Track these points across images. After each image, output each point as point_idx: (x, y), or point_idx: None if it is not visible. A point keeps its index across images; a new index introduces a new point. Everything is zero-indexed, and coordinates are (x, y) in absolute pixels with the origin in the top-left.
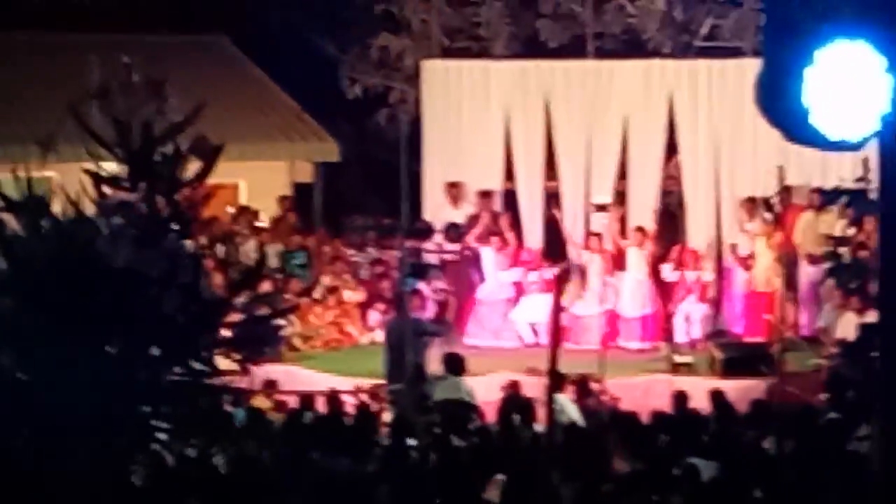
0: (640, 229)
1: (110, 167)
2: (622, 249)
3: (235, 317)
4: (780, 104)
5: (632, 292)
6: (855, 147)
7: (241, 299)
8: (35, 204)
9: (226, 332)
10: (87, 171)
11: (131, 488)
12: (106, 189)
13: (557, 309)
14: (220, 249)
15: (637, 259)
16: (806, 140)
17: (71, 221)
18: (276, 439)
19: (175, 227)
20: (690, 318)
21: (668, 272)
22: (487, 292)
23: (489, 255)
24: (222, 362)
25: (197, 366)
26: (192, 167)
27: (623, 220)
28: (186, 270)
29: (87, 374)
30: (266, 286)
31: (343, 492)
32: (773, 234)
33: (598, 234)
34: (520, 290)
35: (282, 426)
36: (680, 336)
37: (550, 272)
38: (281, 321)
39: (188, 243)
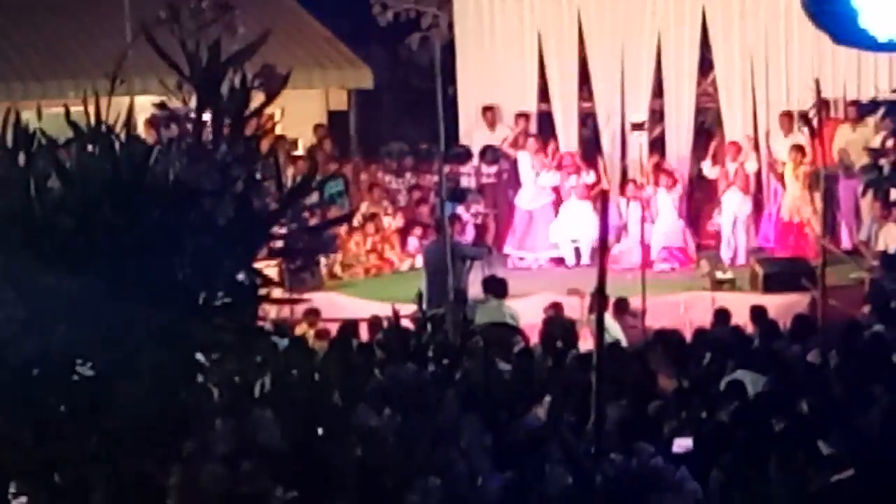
0: (668, 172)
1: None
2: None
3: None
4: (828, 7)
5: (665, 235)
6: None
7: (289, 214)
8: (96, 128)
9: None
10: (156, 105)
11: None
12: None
13: (605, 226)
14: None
15: (667, 203)
16: (855, 42)
17: (125, 140)
18: (325, 361)
19: (236, 149)
20: (737, 221)
21: (707, 168)
22: (527, 199)
23: (526, 160)
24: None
25: (245, 279)
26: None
27: (662, 140)
28: (238, 183)
29: (139, 291)
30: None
31: (411, 398)
32: (803, 159)
33: (632, 181)
34: (559, 198)
35: (327, 350)
36: (726, 243)
37: (591, 177)
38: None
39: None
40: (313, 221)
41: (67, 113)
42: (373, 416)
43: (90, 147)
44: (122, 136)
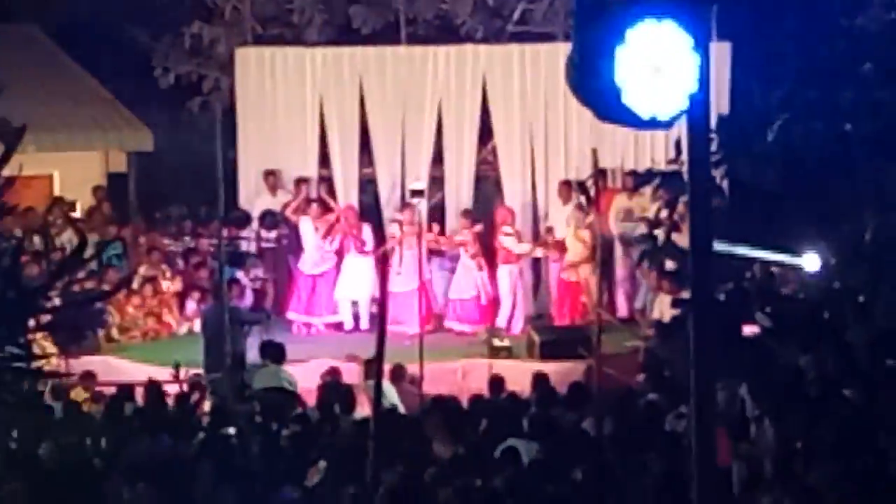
0: (467, 212)
1: None
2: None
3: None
4: (592, 83)
5: (458, 276)
6: (665, 125)
7: (59, 285)
8: None
9: (45, 318)
10: None
11: None
12: None
13: (384, 293)
14: (36, 240)
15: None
16: (618, 119)
17: None
18: (97, 428)
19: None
20: (515, 289)
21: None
22: (310, 264)
23: (308, 225)
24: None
25: (16, 351)
26: None
27: (442, 206)
28: (4, 256)
29: None
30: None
31: (165, 472)
32: (585, 222)
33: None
34: (340, 258)
35: (102, 415)
36: (505, 310)
37: (370, 236)
38: (101, 306)
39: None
40: (88, 285)
41: None
42: (125, 490)
43: None
44: None
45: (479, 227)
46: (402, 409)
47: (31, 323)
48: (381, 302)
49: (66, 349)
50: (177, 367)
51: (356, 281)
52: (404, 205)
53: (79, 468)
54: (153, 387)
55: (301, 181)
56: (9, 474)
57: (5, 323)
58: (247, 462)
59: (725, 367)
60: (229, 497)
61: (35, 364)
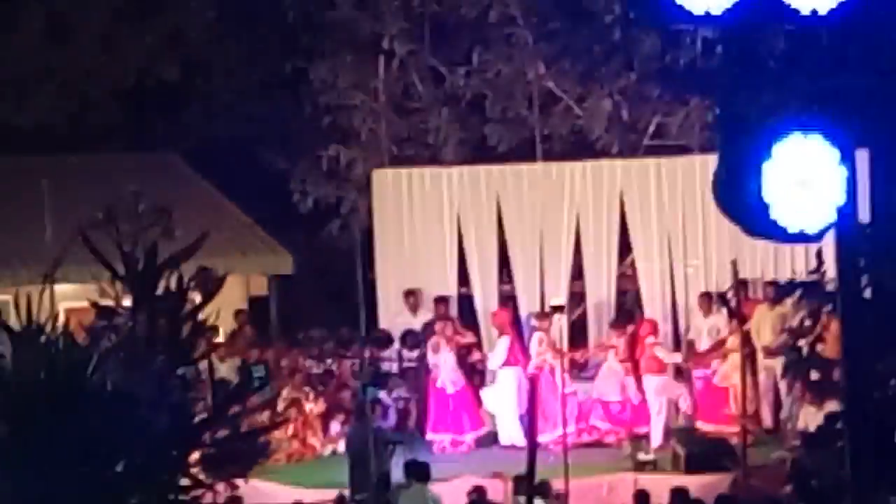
0: (616, 323)
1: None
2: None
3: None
4: (738, 200)
5: (604, 378)
6: (814, 239)
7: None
8: (32, 331)
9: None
10: (91, 304)
11: None
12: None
13: (533, 410)
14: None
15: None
16: (767, 234)
17: (62, 346)
18: None
19: (172, 353)
20: (660, 403)
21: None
22: (448, 383)
23: (447, 357)
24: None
25: (185, 482)
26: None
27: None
28: (175, 392)
29: (81, 500)
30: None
31: None
32: (734, 330)
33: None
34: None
35: None
36: (653, 420)
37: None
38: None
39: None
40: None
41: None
42: None
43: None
44: (54, 336)
45: (630, 329)
46: None
47: (201, 455)
48: (531, 418)
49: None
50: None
51: (504, 394)
52: (541, 315)
53: None
54: None
55: (440, 300)
56: None
57: (171, 455)
58: None
59: (878, 478)
60: None
61: (194, 494)
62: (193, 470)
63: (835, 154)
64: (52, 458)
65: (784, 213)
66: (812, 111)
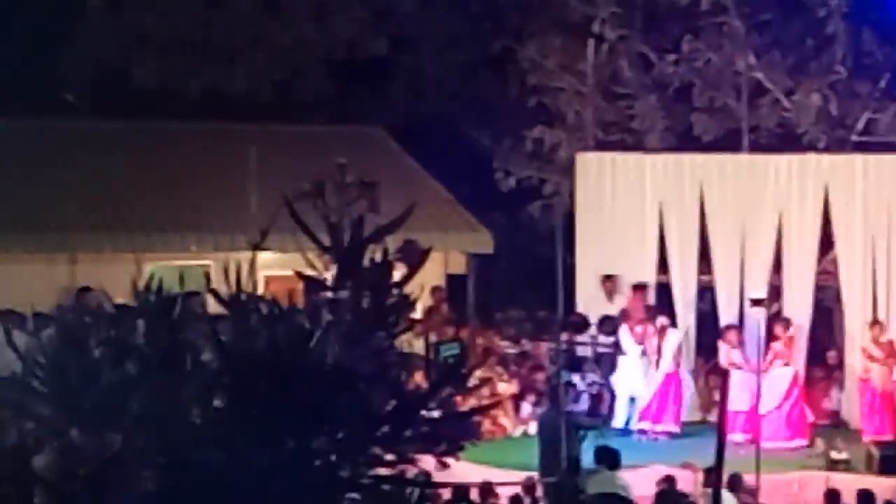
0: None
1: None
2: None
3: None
4: None
5: (771, 387)
6: None
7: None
8: (245, 300)
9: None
10: (297, 274)
11: None
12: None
13: (724, 405)
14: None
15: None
16: None
17: (281, 318)
18: None
19: (382, 327)
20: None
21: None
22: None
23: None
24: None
25: (392, 458)
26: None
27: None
28: (394, 368)
29: (294, 472)
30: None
31: None
32: None
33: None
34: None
35: None
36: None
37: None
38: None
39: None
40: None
41: (208, 279)
42: None
43: (242, 319)
44: (266, 305)
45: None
46: None
47: (415, 433)
48: (721, 411)
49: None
50: None
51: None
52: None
53: None
54: (487, 490)
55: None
56: None
57: (387, 431)
58: None
59: None
60: None
61: (407, 472)
62: (404, 447)
63: None
64: (270, 431)
65: None
66: None
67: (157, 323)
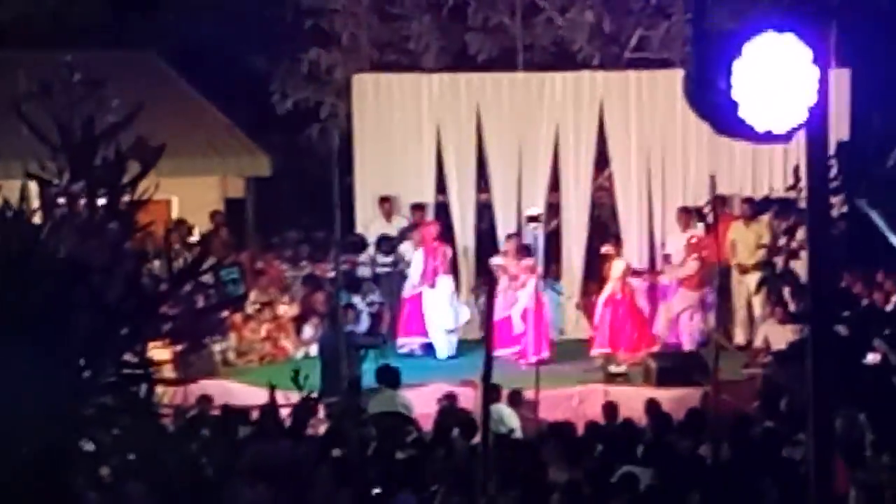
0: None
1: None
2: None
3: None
4: (708, 97)
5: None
6: (782, 139)
7: (180, 293)
8: None
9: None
10: (28, 174)
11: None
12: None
13: (490, 317)
14: (156, 263)
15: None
16: (734, 132)
17: (13, 216)
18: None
19: (116, 223)
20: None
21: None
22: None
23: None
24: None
25: (133, 359)
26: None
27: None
28: (128, 261)
29: (27, 370)
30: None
31: (282, 474)
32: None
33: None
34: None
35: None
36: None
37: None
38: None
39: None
40: (204, 303)
41: None
42: (246, 491)
43: None
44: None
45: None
46: (519, 434)
47: (154, 328)
48: (487, 325)
49: (189, 364)
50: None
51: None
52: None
53: (197, 472)
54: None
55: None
56: (129, 475)
57: (126, 328)
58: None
59: (844, 395)
60: (348, 501)
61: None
62: (145, 345)
63: (808, 53)
64: (5, 326)
65: (753, 112)
66: (787, 10)
67: None
